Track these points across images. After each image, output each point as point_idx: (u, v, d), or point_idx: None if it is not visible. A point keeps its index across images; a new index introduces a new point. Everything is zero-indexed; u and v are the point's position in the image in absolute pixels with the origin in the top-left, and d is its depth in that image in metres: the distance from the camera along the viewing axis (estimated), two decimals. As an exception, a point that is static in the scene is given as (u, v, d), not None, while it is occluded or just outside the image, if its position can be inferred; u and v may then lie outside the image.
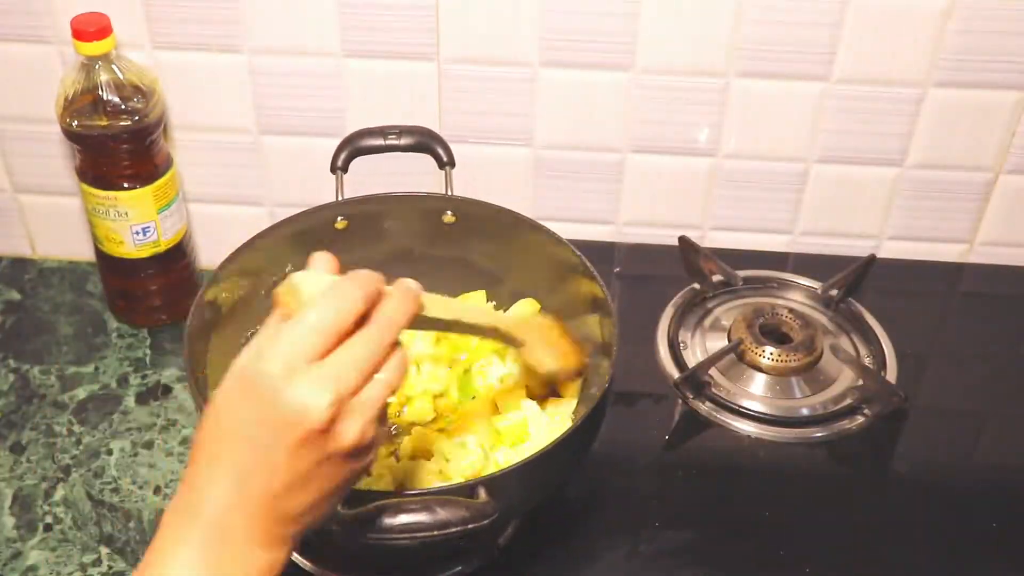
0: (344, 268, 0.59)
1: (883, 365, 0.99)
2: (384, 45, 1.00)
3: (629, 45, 1.00)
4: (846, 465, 0.93)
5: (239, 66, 1.02)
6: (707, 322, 1.04)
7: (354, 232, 0.94)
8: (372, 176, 1.00)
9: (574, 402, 0.88)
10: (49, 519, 0.87)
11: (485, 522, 0.65)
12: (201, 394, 0.76)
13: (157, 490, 0.89)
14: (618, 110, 1.04)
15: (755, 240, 1.13)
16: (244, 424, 0.53)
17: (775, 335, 1.00)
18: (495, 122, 1.05)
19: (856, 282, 1.05)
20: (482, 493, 0.67)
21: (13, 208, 1.12)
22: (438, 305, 0.63)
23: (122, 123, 0.94)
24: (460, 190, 0.95)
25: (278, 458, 0.53)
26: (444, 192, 0.94)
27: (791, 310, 1.02)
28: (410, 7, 0.98)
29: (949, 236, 1.12)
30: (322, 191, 0.95)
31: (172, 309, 1.05)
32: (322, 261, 0.58)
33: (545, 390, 0.89)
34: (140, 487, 0.90)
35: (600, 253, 1.10)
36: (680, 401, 0.96)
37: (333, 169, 0.93)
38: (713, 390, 0.96)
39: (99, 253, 1.03)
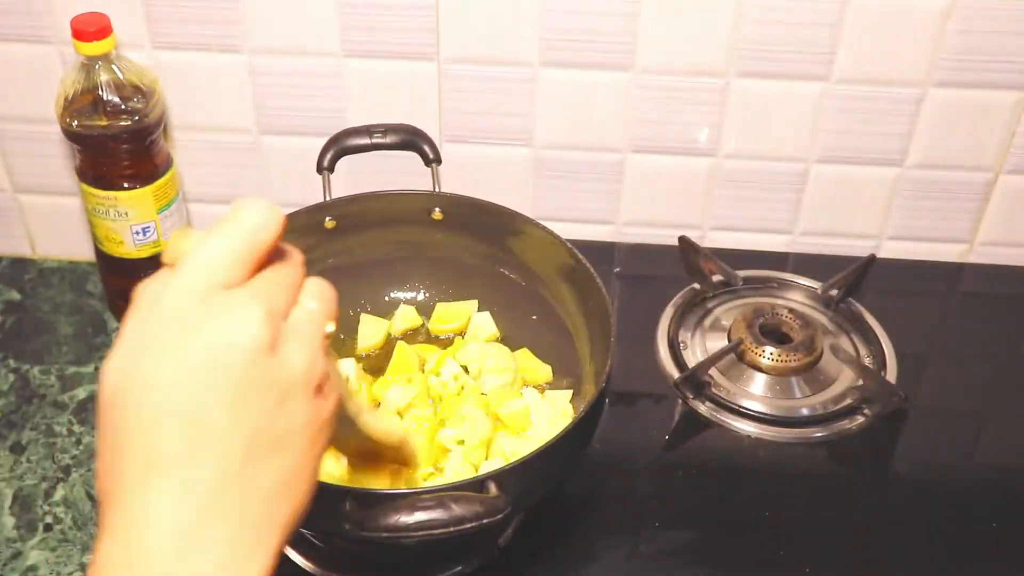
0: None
1: (883, 365, 0.99)
2: (384, 45, 1.01)
3: (629, 45, 1.00)
4: (846, 465, 0.93)
5: (239, 66, 1.02)
6: (707, 322, 1.04)
7: (343, 232, 0.94)
8: (365, 175, 1.00)
9: (570, 392, 0.89)
10: (49, 519, 0.87)
11: (499, 516, 0.65)
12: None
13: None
14: (618, 110, 1.04)
15: (755, 240, 1.13)
16: (164, 391, 0.41)
17: (775, 335, 1.00)
18: (495, 122, 1.05)
19: (856, 282, 1.05)
20: (492, 487, 0.67)
21: (13, 208, 1.12)
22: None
23: (122, 123, 0.94)
24: (460, 190, 0.95)
25: (222, 413, 0.41)
26: (432, 189, 0.94)
27: (791, 310, 1.02)
28: (410, 7, 0.98)
29: (949, 236, 1.12)
30: (322, 191, 0.95)
31: (172, 309, 1.05)
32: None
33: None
34: (140, 487, 0.90)
35: (600, 253, 1.10)
36: (680, 401, 0.96)
37: (319, 169, 0.93)
38: (713, 390, 0.96)
39: (99, 253, 1.03)
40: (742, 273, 1.08)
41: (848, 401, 0.95)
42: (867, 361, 1.00)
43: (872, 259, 1.05)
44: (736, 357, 0.99)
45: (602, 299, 0.84)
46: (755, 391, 0.96)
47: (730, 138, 1.06)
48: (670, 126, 1.05)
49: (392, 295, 1.00)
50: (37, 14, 0.98)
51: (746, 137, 1.06)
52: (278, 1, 0.98)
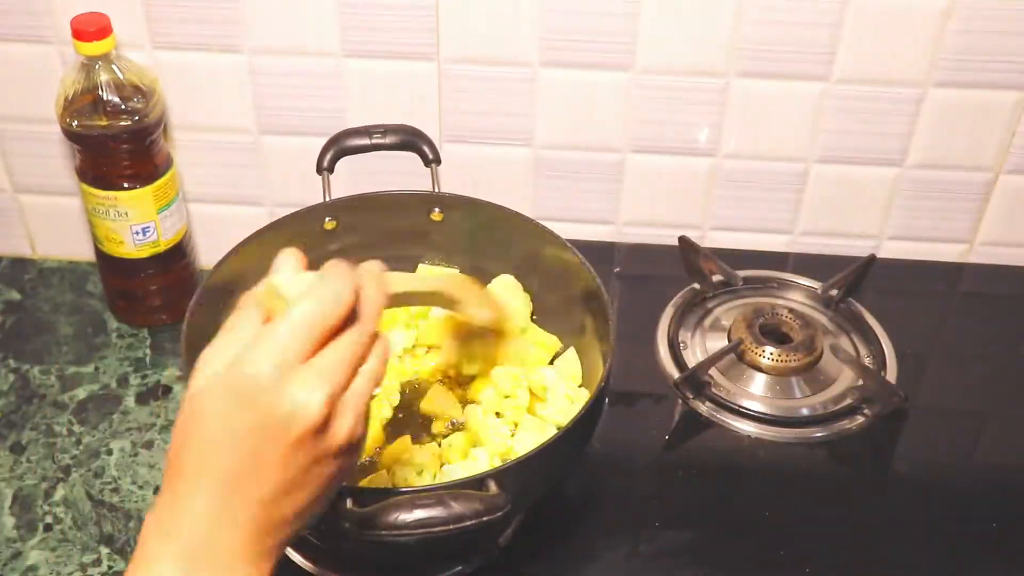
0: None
1: (883, 365, 0.99)
2: (384, 45, 1.01)
3: (629, 45, 1.00)
4: (846, 465, 0.93)
5: (239, 66, 1.02)
6: (707, 322, 1.04)
7: (343, 232, 0.94)
8: (364, 175, 1.00)
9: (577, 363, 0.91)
10: (49, 519, 0.87)
11: (499, 514, 0.65)
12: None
13: (157, 490, 0.89)
14: (618, 110, 1.04)
15: (755, 240, 1.13)
16: (231, 432, 0.51)
17: (775, 335, 1.00)
18: (495, 122, 1.05)
19: (856, 282, 1.05)
20: (492, 486, 0.67)
21: (13, 208, 1.12)
22: (397, 282, 0.64)
23: (122, 123, 0.94)
24: (460, 190, 0.95)
25: (270, 464, 0.51)
26: (431, 190, 0.94)
27: (791, 310, 1.02)
28: (410, 7, 0.98)
29: (949, 236, 1.12)
30: (322, 191, 0.95)
31: (172, 309, 1.05)
32: (290, 258, 0.55)
33: (467, 356, 0.92)
34: (140, 487, 0.90)
35: (600, 253, 1.10)
36: (680, 401, 0.96)
37: (319, 170, 0.93)
38: (713, 390, 0.96)
39: (99, 253, 1.03)
40: (742, 273, 1.08)
41: (848, 401, 0.95)
42: (867, 361, 1.00)
43: (872, 259, 1.05)
44: (736, 357, 0.99)
45: (602, 299, 0.84)
46: (755, 391, 0.96)
47: (730, 138, 1.06)
48: (670, 126, 1.05)
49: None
50: (37, 14, 0.98)
51: (746, 137, 1.06)
52: (278, 1, 0.98)
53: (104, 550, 0.84)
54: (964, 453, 0.94)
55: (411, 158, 0.95)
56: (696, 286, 1.07)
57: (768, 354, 0.97)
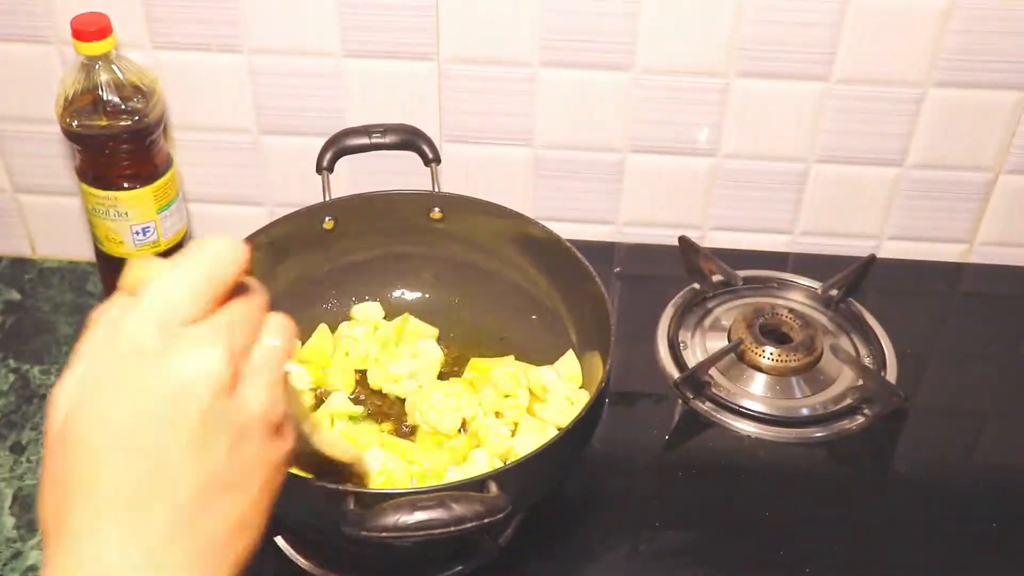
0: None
1: (883, 365, 0.99)
2: (384, 45, 1.01)
3: (629, 45, 1.00)
4: (846, 465, 0.93)
5: (239, 66, 1.02)
6: (707, 322, 1.04)
7: (342, 232, 0.94)
8: (364, 175, 1.00)
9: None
10: (49, 519, 0.87)
11: (500, 516, 0.65)
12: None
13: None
14: (618, 110, 1.04)
15: (755, 240, 1.13)
16: (119, 428, 0.40)
17: (775, 335, 1.00)
18: (495, 122, 1.05)
19: (856, 282, 1.05)
20: (493, 487, 0.67)
21: (13, 208, 1.12)
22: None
23: (122, 123, 0.94)
24: (460, 190, 0.95)
25: (179, 454, 0.40)
26: (432, 189, 0.94)
27: (791, 310, 1.02)
28: (410, 7, 0.98)
29: (949, 236, 1.12)
30: (322, 191, 0.95)
31: (172, 309, 1.05)
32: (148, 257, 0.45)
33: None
34: (140, 487, 0.90)
35: (600, 253, 1.10)
36: (680, 401, 0.96)
37: (319, 169, 0.93)
38: (713, 390, 0.96)
39: (99, 253, 1.03)
40: (742, 273, 1.08)
41: (848, 401, 0.95)
42: (867, 361, 1.00)
43: (872, 259, 1.05)
44: (736, 357, 0.99)
45: (602, 299, 0.84)
46: (755, 391, 0.96)
47: (730, 138, 1.06)
48: (670, 126, 1.05)
49: (391, 295, 1.00)
50: (37, 14, 0.98)
51: (746, 137, 1.06)
52: (278, 1, 0.98)
53: (104, 550, 0.84)
54: (964, 453, 0.94)
55: (411, 158, 0.95)
56: (696, 286, 1.07)
57: (768, 354, 0.97)
